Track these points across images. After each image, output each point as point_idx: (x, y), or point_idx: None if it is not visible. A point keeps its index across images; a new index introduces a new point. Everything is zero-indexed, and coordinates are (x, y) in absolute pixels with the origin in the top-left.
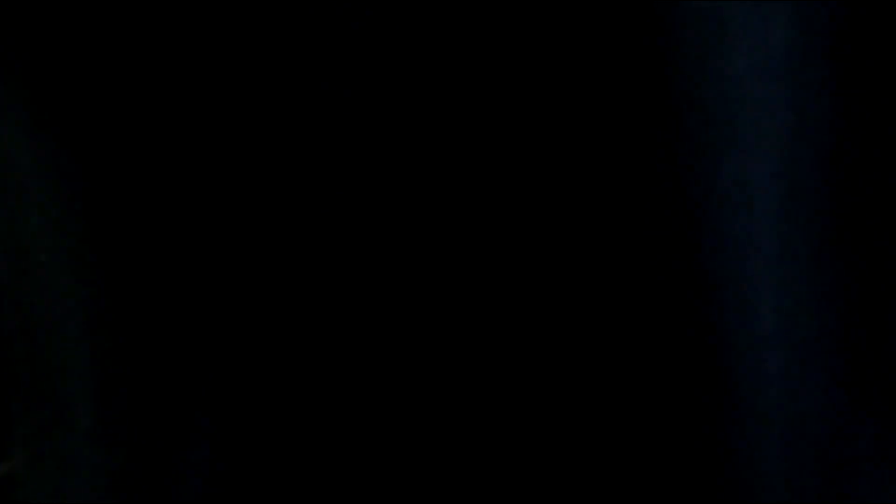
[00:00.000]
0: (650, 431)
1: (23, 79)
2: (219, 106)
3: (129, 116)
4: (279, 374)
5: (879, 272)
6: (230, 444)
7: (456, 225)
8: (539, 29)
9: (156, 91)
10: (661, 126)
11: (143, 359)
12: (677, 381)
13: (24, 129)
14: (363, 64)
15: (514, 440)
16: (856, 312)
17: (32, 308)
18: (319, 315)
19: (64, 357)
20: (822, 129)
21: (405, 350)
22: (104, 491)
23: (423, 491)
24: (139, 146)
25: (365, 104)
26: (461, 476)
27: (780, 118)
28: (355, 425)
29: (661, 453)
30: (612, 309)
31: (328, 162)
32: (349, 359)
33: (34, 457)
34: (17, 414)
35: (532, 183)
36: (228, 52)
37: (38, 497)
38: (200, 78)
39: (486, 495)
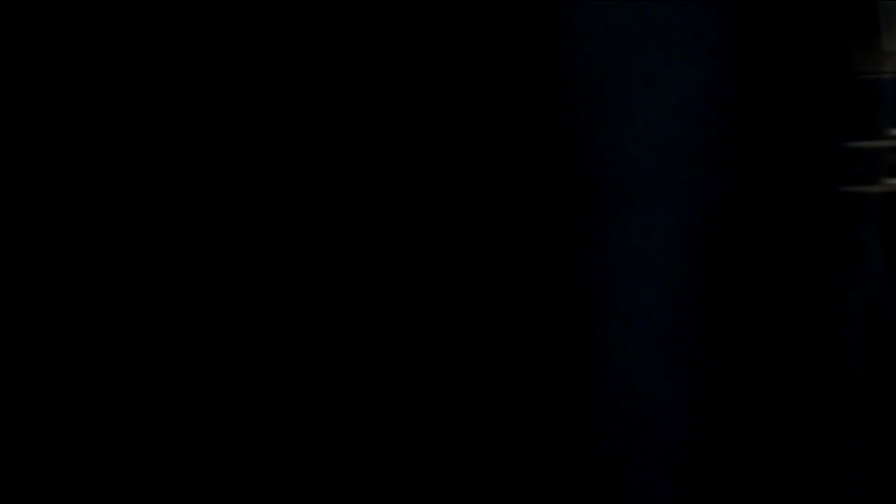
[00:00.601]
0: (529, 433)
1: None
2: None
3: None
4: None
5: (753, 298)
6: None
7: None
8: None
9: None
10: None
11: None
12: (557, 383)
13: None
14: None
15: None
16: (731, 330)
17: None
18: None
19: None
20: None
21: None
22: None
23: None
24: None
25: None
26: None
27: (678, 168)
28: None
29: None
30: (503, 314)
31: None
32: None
33: None
34: None
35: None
36: None
37: None
38: None
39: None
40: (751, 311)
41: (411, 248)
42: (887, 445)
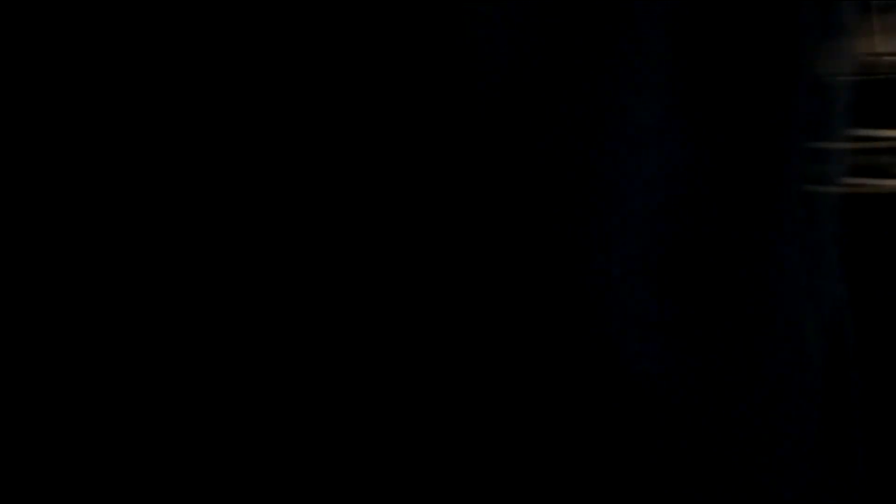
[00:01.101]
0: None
1: None
2: None
3: None
4: None
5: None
6: None
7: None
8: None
9: None
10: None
11: None
12: (558, 369)
13: None
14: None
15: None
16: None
17: None
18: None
19: None
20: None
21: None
22: None
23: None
24: None
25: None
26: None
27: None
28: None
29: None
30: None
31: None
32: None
33: None
34: None
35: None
36: None
37: None
38: None
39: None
40: (713, 312)
41: (403, 252)
42: (847, 447)
